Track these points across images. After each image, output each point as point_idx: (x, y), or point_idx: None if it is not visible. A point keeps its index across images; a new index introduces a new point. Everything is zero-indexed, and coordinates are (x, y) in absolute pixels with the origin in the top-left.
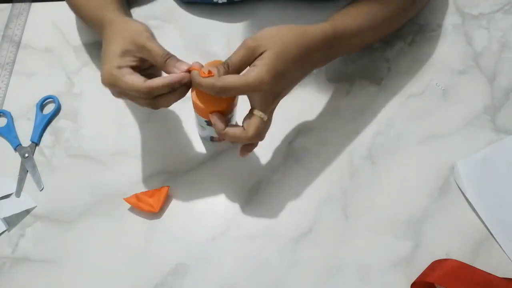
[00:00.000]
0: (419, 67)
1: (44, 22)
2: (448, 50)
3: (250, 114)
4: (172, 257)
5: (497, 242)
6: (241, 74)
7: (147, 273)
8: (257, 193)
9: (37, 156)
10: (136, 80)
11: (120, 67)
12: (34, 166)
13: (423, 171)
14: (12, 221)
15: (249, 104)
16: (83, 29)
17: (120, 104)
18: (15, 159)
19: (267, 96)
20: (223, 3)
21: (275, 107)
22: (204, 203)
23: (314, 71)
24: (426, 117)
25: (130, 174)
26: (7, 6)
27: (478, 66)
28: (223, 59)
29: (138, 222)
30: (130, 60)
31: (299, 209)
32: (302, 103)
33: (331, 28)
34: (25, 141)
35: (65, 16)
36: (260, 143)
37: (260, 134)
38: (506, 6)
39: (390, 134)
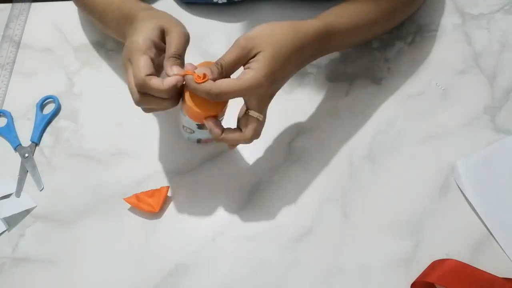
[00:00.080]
0: (419, 67)
1: (44, 22)
2: (448, 50)
3: (246, 115)
4: (172, 257)
5: (497, 242)
6: (236, 77)
7: (147, 273)
8: (257, 193)
9: (37, 156)
10: (144, 66)
11: (152, 41)
12: (34, 166)
13: (423, 171)
14: (12, 221)
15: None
16: (83, 29)
17: (120, 104)
18: (15, 159)
19: (263, 97)
20: (223, 3)
21: (267, 106)
22: (204, 203)
23: (314, 71)
24: (426, 117)
25: (130, 174)
26: (7, 6)
27: (478, 66)
28: None
29: (138, 222)
30: (163, 41)
31: (299, 209)
32: (302, 103)
33: (323, 25)
34: (25, 141)
35: (65, 16)
36: (260, 143)
37: (257, 134)
38: (506, 6)
39: (390, 134)
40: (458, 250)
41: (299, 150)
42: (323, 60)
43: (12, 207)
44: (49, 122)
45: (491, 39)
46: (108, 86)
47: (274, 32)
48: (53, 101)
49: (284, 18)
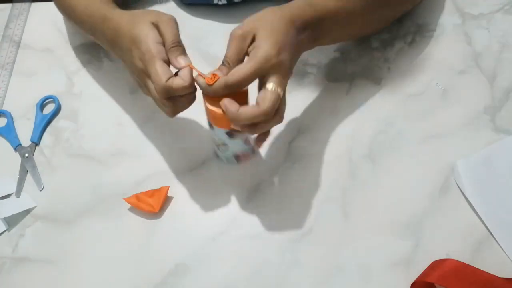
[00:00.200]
0: (419, 67)
1: (44, 22)
2: (448, 50)
3: (263, 90)
4: (172, 257)
5: (497, 242)
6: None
7: (147, 273)
8: (257, 193)
9: (37, 156)
10: (163, 72)
11: (159, 43)
12: (34, 166)
13: (423, 171)
14: (12, 221)
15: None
16: None
17: (120, 104)
18: (15, 159)
19: (279, 69)
20: (223, 4)
21: (286, 84)
22: (204, 203)
23: (314, 71)
24: (426, 117)
25: (130, 174)
26: (7, 6)
27: (478, 66)
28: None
29: (138, 222)
30: (158, 34)
31: (299, 209)
32: (302, 103)
33: (310, 7)
34: (25, 141)
35: None
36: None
37: (274, 108)
38: (506, 6)
39: (390, 134)
40: (458, 250)
41: (299, 150)
42: (323, 60)
43: (12, 207)
44: (49, 122)
45: (491, 39)
46: (108, 86)
47: (263, 15)
48: (53, 101)
49: None
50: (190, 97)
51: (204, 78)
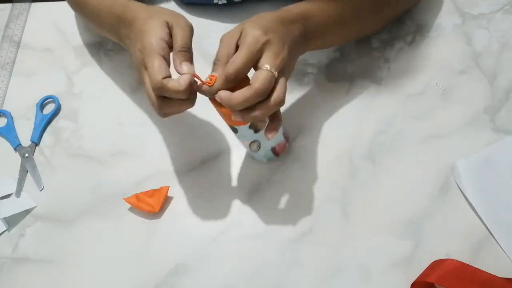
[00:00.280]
0: (419, 67)
1: (44, 22)
2: (448, 50)
3: (256, 71)
4: (172, 257)
5: (497, 242)
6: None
7: (147, 273)
8: (257, 193)
9: (37, 156)
10: (160, 69)
11: (164, 41)
12: (34, 166)
13: (423, 171)
14: (12, 221)
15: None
16: (83, 29)
17: (120, 104)
18: (15, 159)
19: (269, 48)
20: (223, 4)
21: (280, 65)
22: (204, 203)
23: (314, 71)
24: (426, 117)
25: (130, 174)
26: (7, 6)
27: (478, 66)
28: None
29: (138, 222)
30: (170, 35)
31: (299, 209)
32: (302, 103)
33: (295, 6)
34: (25, 141)
35: (65, 16)
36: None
37: (267, 87)
38: (506, 6)
39: (390, 134)
40: (458, 250)
41: (299, 150)
42: (323, 60)
43: (12, 207)
44: (49, 122)
45: (491, 39)
46: (108, 86)
47: (250, 18)
48: (53, 101)
49: None
50: (182, 104)
51: (204, 83)
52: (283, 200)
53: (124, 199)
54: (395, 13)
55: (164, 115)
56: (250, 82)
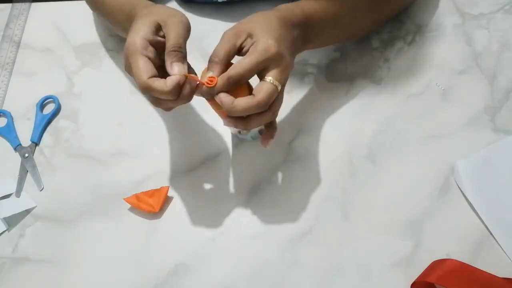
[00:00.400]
0: (419, 67)
1: (44, 22)
2: (448, 50)
3: (260, 82)
4: (172, 257)
5: (497, 242)
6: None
7: (147, 273)
8: (257, 193)
9: (37, 156)
10: (145, 68)
11: (147, 40)
12: (34, 166)
13: (423, 171)
14: (12, 221)
15: None
16: (83, 29)
17: (120, 104)
18: (15, 159)
19: (278, 62)
20: (223, 2)
21: (285, 80)
22: (204, 203)
23: (314, 71)
24: (426, 117)
25: (130, 174)
26: (7, 6)
27: (478, 66)
28: None
29: (138, 222)
30: (159, 35)
31: (299, 209)
32: (302, 103)
33: (298, 8)
34: (25, 141)
35: (65, 16)
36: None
37: (270, 100)
38: (506, 6)
39: (390, 134)
40: (458, 250)
41: (299, 150)
42: (323, 60)
43: (12, 207)
44: (49, 122)
45: (491, 39)
46: (108, 86)
47: (254, 17)
48: (53, 101)
49: None
50: (175, 101)
51: (204, 84)
52: (283, 200)
53: (124, 199)
54: (392, 12)
55: (165, 109)
56: (254, 92)
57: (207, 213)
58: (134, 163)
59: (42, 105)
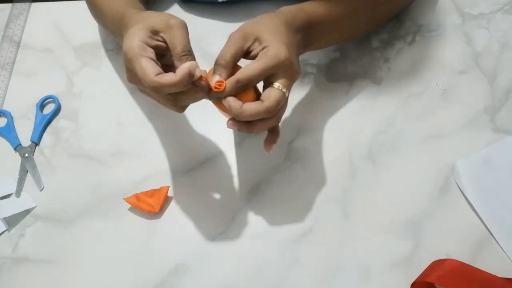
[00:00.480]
0: (419, 67)
1: (44, 22)
2: (448, 50)
3: (269, 88)
4: (172, 257)
5: (497, 242)
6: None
7: (147, 273)
8: (257, 193)
9: (37, 156)
10: (150, 68)
11: (144, 43)
12: (34, 166)
13: (423, 171)
14: (12, 221)
15: None
16: (83, 29)
17: (120, 104)
18: (15, 159)
19: (288, 69)
20: (223, 2)
21: (291, 87)
22: (204, 203)
23: (314, 71)
24: (426, 117)
25: (130, 174)
26: (7, 6)
27: (478, 66)
28: None
29: (138, 222)
30: (156, 39)
31: (299, 209)
32: (302, 103)
33: (298, 5)
34: (25, 141)
35: (65, 16)
36: (260, 142)
37: (278, 106)
38: (506, 6)
39: (390, 134)
40: (458, 250)
41: (299, 150)
42: (323, 60)
43: (12, 207)
44: (49, 122)
45: (491, 39)
46: (108, 86)
47: (260, 19)
48: (53, 101)
49: None
50: (187, 96)
51: (212, 89)
52: (283, 200)
53: (124, 199)
54: (391, 12)
55: (179, 109)
56: (262, 97)
57: (207, 213)
58: (134, 163)
59: (42, 105)
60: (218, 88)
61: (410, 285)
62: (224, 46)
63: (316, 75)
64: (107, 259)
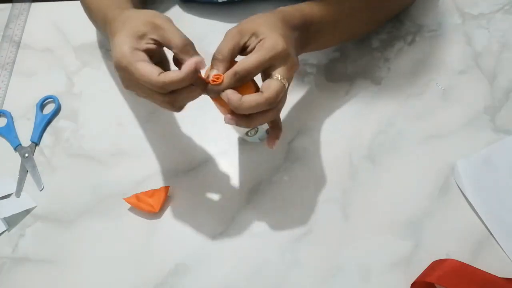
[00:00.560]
0: (419, 67)
1: (44, 22)
2: (448, 50)
3: (269, 79)
4: (172, 257)
5: (497, 242)
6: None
7: (147, 273)
8: (257, 193)
9: (37, 156)
10: (150, 70)
11: (135, 49)
12: (34, 166)
13: (423, 171)
14: (12, 221)
15: None
16: (83, 29)
17: (120, 104)
18: (15, 159)
19: (286, 60)
20: (223, 2)
21: (291, 78)
22: (204, 203)
23: (314, 71)
24: (426, 117)
25: (130, 174)
26: (7, 6)
27: (478, 66)
28: None
29: (138, 222)
30: (146, 43)
31: (299, 209)
32: (302, 103)
33: (297, 12)
34: (25, 141)
35: (65, 16)
36: (260, 143)
37: (278, 97)
38: (506, 6)
39: (390, 134)
40: (458, 250)
41: (299, 150)
42: (323, 60)
43: (12, 207)
44: (49, 122)
45: (491, 39)
46: (108, 86)
47: (257, 17)
48: (53, 101)
49: None
50: (191, 92)
51: (209, 82)
52: (283, 200)
53: (124, 199)
54: (391, 12)
55: (177, 109)
56: (262, 89)
57: (207, 213)
58: (134, 163)
59: (42, 105)
60: (216, 81)
61: (410, 285)
62: (221, 41)
63: (316, 75)
64: (107, 259)
